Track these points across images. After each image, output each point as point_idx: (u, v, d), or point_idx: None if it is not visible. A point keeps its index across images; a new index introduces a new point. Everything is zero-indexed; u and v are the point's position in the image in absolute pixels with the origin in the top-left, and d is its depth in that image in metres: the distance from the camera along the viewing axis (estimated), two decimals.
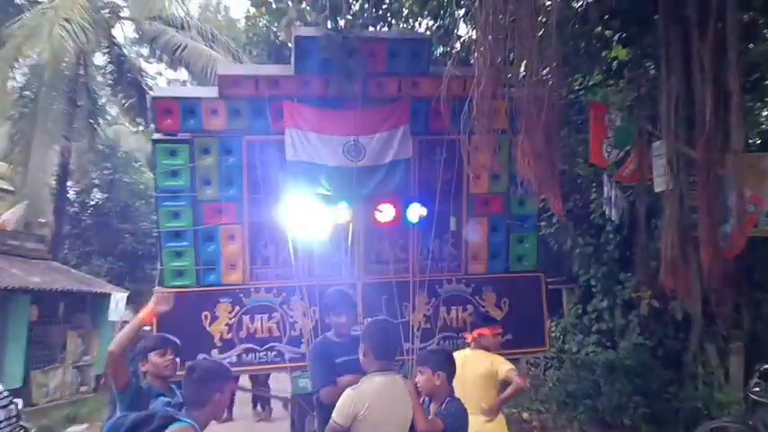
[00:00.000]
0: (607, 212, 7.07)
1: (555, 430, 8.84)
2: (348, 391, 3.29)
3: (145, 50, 20.11)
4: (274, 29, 9.75)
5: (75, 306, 13.57)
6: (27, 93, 14.55)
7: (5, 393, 4.54)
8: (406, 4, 7.95)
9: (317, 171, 5.44)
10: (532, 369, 10.69)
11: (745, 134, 5.46)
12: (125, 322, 7.29)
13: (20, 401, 6.01)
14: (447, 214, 5.86)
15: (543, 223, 9.19)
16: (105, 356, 3.78)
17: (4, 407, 4.44)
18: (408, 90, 5.69)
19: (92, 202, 21.16)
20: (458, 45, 7.58)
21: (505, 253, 6.22)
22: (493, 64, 4.56)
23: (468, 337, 4.94)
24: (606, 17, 6.87)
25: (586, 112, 7.19)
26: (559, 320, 10.58)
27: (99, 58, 17.62)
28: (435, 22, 8.18)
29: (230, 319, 5.73)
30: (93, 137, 16.89)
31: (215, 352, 5.62)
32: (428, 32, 8.11)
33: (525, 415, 9.51)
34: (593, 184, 8.78)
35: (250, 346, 5.74)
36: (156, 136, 5.77)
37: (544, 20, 4.95)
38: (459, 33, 7.81)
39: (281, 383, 7.39)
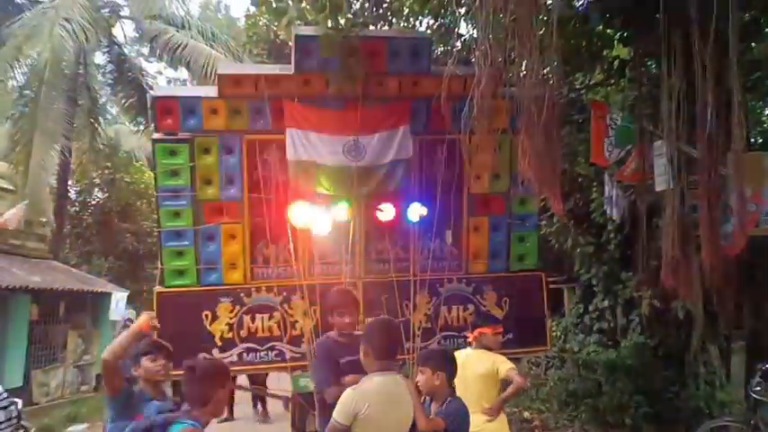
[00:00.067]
0: (608, 212, 7.06)
1: (556, 429, 8.83)
2: (349, 390, 3.29)
3: (145, 49, 20.14)
4: (274, 28, 9.77)
5: (75, 305, 13.57)
6: (27, 92, 14.55)
7: (5, 395, 4.54)
8: (407, 3, 7.95)
9: (318, 170, 5.43)
10: (534, 368, 10.69)
11: (746, 133, 5.45)
12: (128, 320, 7.29)
13: (20, 401, 6.01)
14: (447, 214, 5.86)
15: (544, 222, 9.18)
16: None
17: (4, 408, 4.44)
18: (409, 89, 5.68)
19: (92, 202, 21.19)
20: (458, 44, 7.58)
21: (506, 252, 6.21)
22: (493, 63, 4.55)
23: (470, 337, 4.94)
24: (607, 16, 6.86)
25: (587, 111, 7.18)
26: (560, 320, 10.58)
27: (99, 57, 17.67)
28: (436, 21, 8.18)
29: (231, 318, 5.72)
30: (94, 136, 16.89)
31: (216, 351, 5.62)
32: (429, 31, 8.12)
33: (526, 414, 9.51)
34: (594, 184, 8.77)
35: (251, 345, 5.73)
36: (156, 135, 5.76)
37: (545, 19, 4.95)
38: (460, 32, 7.82)
39: (281, 383, 7.37)
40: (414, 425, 3.34)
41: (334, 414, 3.22)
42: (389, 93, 5.68)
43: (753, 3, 6.28)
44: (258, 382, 9.43)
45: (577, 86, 8.91)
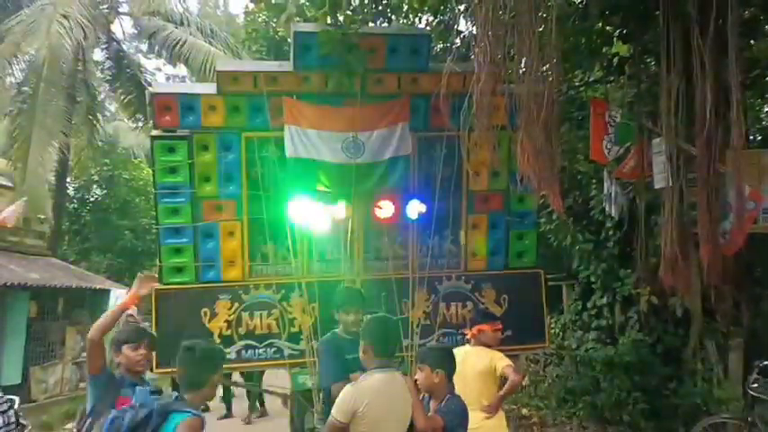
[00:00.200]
0: (607, 209, 7.07)
1: (554, 426, 8.85)
2: (348, 387, 3.29)
3: (144, 46, 20.03)
4: (273, 24, 9.74)
5: (74, 302, 13.56)
6: (26, 89, 14.51)
7: (5, 399, 4.51)
8: (406, 0, 7.93)
9: (316, 167, 5.42)
10: (532, 365, 10.69)
11: (745, 131, 5.45)
12: (130, 316, 7.28)
13: (17, 399, 6.00)
14: (446, 211, 5.86)
15: (543, 220, 9.18)
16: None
17: (3, 412, 4.42)
18: (408, 86, 5.67)
19: (91, 199, 21.15)
20: (458, 41, 7.57)
21: (505, 249, 6.21)
22: (493, 60, 4.55)
23: (468, 334, 4.94)
24: (606, 13, 6.86)
25: (587, 108, 7.19)
26: (559, 317, 10.58)
27: (98, 54, 17.59)
28: (435, 17, 8.17)
29: (229, 315, 5.73)
30: (92, 133, 16.85)
31: (220, 347, 5.61)
32: (428, 28, 8.11)
33: (525, 411, 9.53)
34: (594, 181, 8.77)
35: (249, 342, 5.74)
36: (155, 132, 5.75)
37: (544, 16, 4.94)
38: (459, 29, 7.80)
39: (280, 380, 7.38)
40: (412, 422, 3.35)
41: (333, 411, 3.23)
42: (388, 90, 5.67)
43: (752, 0, 6.28)
44: (254, 379, 9.42)
45: (576, 84, 8.91)
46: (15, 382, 10.97)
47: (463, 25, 7.97)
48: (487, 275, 6.14)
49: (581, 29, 7.17)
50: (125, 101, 17.15)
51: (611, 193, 6.73)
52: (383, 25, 8.00)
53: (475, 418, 3.98)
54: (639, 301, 8.12)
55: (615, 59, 7.54)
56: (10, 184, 14.01)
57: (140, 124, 17.17)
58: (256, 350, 5.74)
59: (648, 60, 7.42)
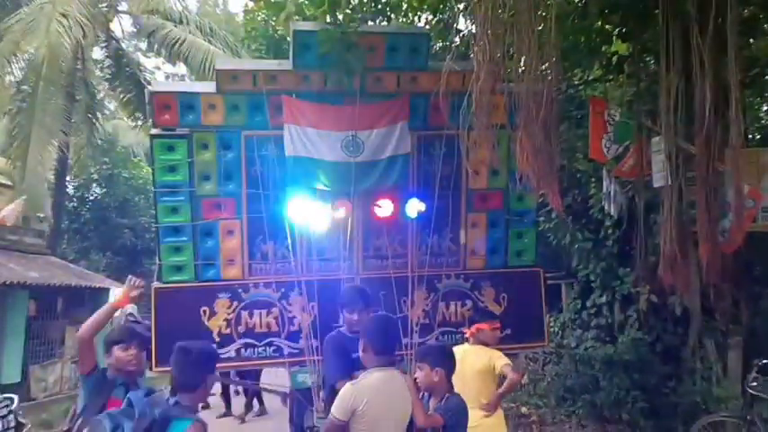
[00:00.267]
0: (606, 207, 7.07)
1: (553, 425, 8.86)
2: (347, 385, 3.29)
3: (143, 44, 20.06)
4: (273, 23, 9.73)
5: (73, 301, 13.57)
6: (25, 87, 14.51)
7: (3, 400, 4.49)
8: None
9: (316, 166, 5.42)
10: (531, 364, 10.70)
11: (744, 129, 5.47)
12: (130, 314, 7.28)
13: (16, 397, 6.01)
14: (446, 210, 5.86)
15: (542, 218, 9.18)
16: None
17: (3, 417, 4.40)
18: (407, 85, 5.67)
19: (90, 197, 21.14)
20: (457, 40, 7.57)
21: (504, 248, 6.21)
22: (492, 59, 4.55)
23: (467, 333, 4.94)
24: (606, 12, 6.85)
25: (586, 107, 7.18)
26: (558, 315, 10.59)
27: (97, 53, 17.60)
28: (434, 16, 8.16)
29: (229, 314, 5.72)
30: (92, 131, 16.86)
31: (213, 347, 5.62)
32: (427, 27, 8.11)
33: (524, 409, 9.54)
34: (593, 180, 8.77)
35: (249, 341, 5.74)
36: (154, 131, 5.74)
37: (543, 14, 4.94)
38: (459, 28, 7.80)
39: (280, 378, 7.38)
40: (412, 421, 3.35)
41: (333, 409, 3.23)
42: (388, 88, 5.67)
43: None
44: (252, 377, 9.39)
45: (576, 82, 8.91)
46: (15, 381, 10.99)
47: (462, 24, 7.96)
48: (487, 274, 6.14)
49: (580, 27, 7.17)
50: (124, 99, 17.16)
51: (610, 192, 6.74)
52: (382, 24, 7.99)
53: (474, 416, 3.99)
54: (639, 299, 8.13)
55: (614, 58, 7.54)
56: (9, 183, 14.01)
57: (140, 123, 17.17)
58: (256, 349, 5.74)
59: (648, 59, 7.42)
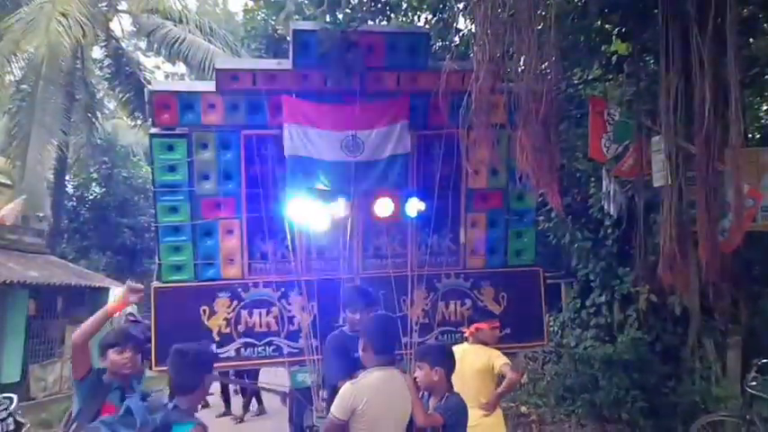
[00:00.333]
0: (606, 207, 7.08)
1: (553, 424, 8.86)
2: (347, 385, 3.29)
3: (143, 44, 20.07)
4: (272, 22, 9.73)
5: (73, 300, 13.56)
6: (24, 86, 14.51)
7: (3, 405, 4.47)
8: None
9: (316, 166, 5.42)
10: (531, 363, 10.70)
11: (744, 129, 5.47)
12: (130, 314, 7.27)
13: (15, 397, 6.01)
14: (446, 209, 5.86)
15: (542, 218, 9.19)
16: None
17: (2, 420, 4.37)
18: (407, 84, 5.67)
19: (90, 197, 21.12)
20: (457, 39, 7.58)
21: (504, 247, 6.21)
22: (492, 58, 4.55)
23: (466, 332, 4.94)
24: (606, 11, 6.86)
25: (585, 106, 7.18)
26: (558, 315, 10.60)
27: (97, 52, 17.61)
28: (434, 15, 8.17)
29: (228, 313, 5.72)
30: (91, 131, 16.87)
31: (213, 347, 5.62)
32: (427, 26, 8.11)
33: (523, 409, 9.53)
34: (592, 179, 8.78)
35: (248, 340, 5.74)
36: (154, 130, 5.74)
37: (543, 14, 4.94)
38: (459, 27, 7.81)
39: (279, 378, 7.38)
40: (411, 420, 3.35)
41: (332, 409, 3.23)
42: (388, 88, 5.66)
43: None
44: (250, 376, 9.38)
45: (575, 82, 8.91)
46: (15, 380, 10.98)
47: (462, 23, 7.97)
48: (486, 273, 6.14)
49: (580, 27, 7.17)
50: (124, 99, 17.16)
51: (609, 192, 6.74)
52: (382, 23, 7.99)
53: (473, 415, 3.98)
54: (638, 299, 8.13)
55: (614, 58, 7.55)
56: (9, 182, 14.01)
57: (139, 122, 17.17)
58: (255, 348, 5.74)
59: (647, 58, 7.43)
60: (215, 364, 5.68)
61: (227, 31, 18.01)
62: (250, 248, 5.85)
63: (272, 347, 5.77)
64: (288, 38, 6.21)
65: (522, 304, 6.10)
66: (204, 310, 5.68)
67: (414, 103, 5.69)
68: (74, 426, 3.41)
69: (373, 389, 3.22)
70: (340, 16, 5.46)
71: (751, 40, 7.31)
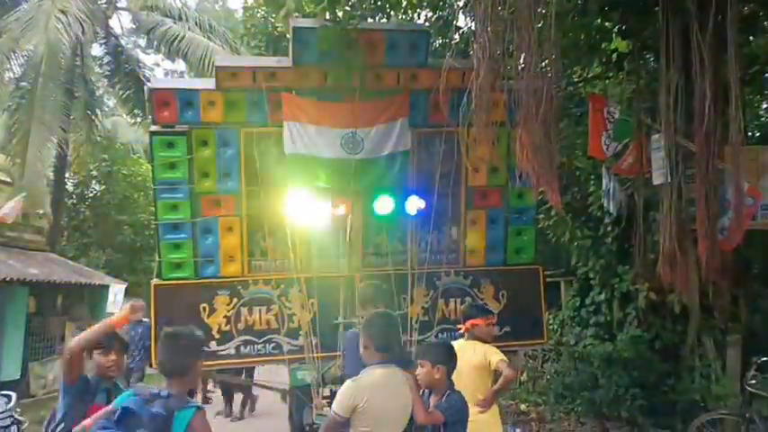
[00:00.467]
0: (605, 205, 7.07)
1: (553, 422, 8.86)
2: (348, 382, 3.29)
3: (142, 41, 20.01)
4: (272, 20, 9.72)
5: (73, 298, 13.57)
6: (24, 84, 14.48)
7: (7, 413, 4.44)
8: None
9: (316, 163, 5.43)
10: (530, 361, 10.71)
11: (743, 127, 5.45)
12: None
13: (14, 395, 6.00)
14: (445, 207, 5.86)
15: (542, 216, 9.18)
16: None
17: (6, 427, 4.35)
18: (407, 82, 5.67)
19: (90, 194, 21.10)
20: (457, 37, 7.57)
21: (504, 245, 6.22)
22: (492, 56, 4.55)
23: (462, 328, 4.93)
24: (606, 9, 6.85)
25: (585, 104, 7.18)
26: (557, 313, 10.60)
27: (96, 49, 17.55)
28: (434, 13, 8.17)
29: (228, 311, 5.73)
30: (91, 128, 16.82)
31: (213, 344, 5.63)
32: (427, 24, 8.10)
33: (523, 406, 9.54)
34: (592, 177, 8.77)
35: (248, 338, 5.74)
36: (154, 128, 5.75)
37: (543, 11, 4.93)
38: (459, 25, 7.80)
39: (278, 376, 7.38)
40: (412, 418, 3.35)
41: (334, 406, 3.23)
42: (388, 85, 5.67)
43: None
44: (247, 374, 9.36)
45: (575, 79, 8.90)
46: (14, 378, 10.98)
47: (462, 21, 7.97)
48: (486, 271, 6.15)
49: (580, 25, 7.17)
50: (123, 96, 17.13)
51: (609, 190, 6.73)
52: (382, 21, 7.98)
53: (469, 412, 3.98)
54: (638, 297, 8.13)
55: (614, 55, 7.53)
56: (9, 180, 13.99)
57: (139, 120, 17.14)
58: (255, 346, 5.75)
59: (647, 56, 7.42)
60: (215, 363, 5.73)
61: (227, 28, 17.97)
62: (250, 246, 5.85)
63: (271, 345, 5.78)
64: (288, 35, 6.21)
65: (521, 302, 6.12)
66: (204, 308, 5.69)
67: (414, 100, 5.69)
68: (60, 426, 3.38)
69: (375, 387, 3.22)
70: (340, 14, 5.46)
71: (751, 37, 7.30)
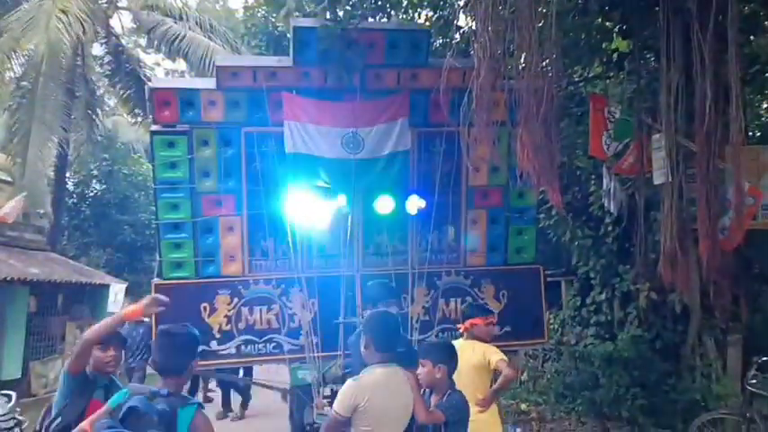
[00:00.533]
0: (606, 205, 7.07)
1: (553, 421, 8.86)
2: (349, 381, 3.30)
3: (143, 41, 20.03)
4: (273, 19, 9.72)
5: (73, 297, 13.57)
6: (25, 83, 14.48)
7: (9, 416, 4.43)
8: None
9: (316, 163, 5.43)
10: (531, 361, 10.71)
11: (744, 127, 5.44)
12: None
13: (14, 394, 6.01)
14: (446, 206, 5.86)
15: (542, 215, 9.17)
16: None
17: (9, 429, 4.34)
18: (407, 82, 5.67)
19: (90, 194, 21.09)
20: (457, 36, 7.55)
21: (504, 245, 6.22)
22: (492, 55, 4.55)
23: (461, 328, 4.92)
24: (606, 8, 6.84)
25: (586, 104, 7.18)
26: (558, 312, 10.59)
27: (97, 49, 17.54)
28: (434, 13, 8.16)
29: (229, 310, 5.73)
30: (92, 128, 16.82)
31: (214, 344, 5.63)
32: (427, 23, 8.10)
33: (523, 406, 9.54)
34: (593, 177, 8.77)
35: (249, 337, 5.75)
36: (155, 127, 5.75)
37: (544, 11, 4.94)
38: (459, 24, 7.79)
39: (281, 375, 7.38)
40: (413, 417, 3.35)
41: (335, 405, 3.24)
42: (388, 85, 5.67)
43: None
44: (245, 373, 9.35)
45: (576, 79, 8.90)
46: (15, 377, 10.98)
47: (463, 21, 7.95)
48: (487, 271, 6.15)
49: (581, 24, 7.16)
50: (124, 96, 17.13)
51: (610, 189, 6.73)
52: (382, 21, 7.98)
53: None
54: (638, 296, 8.13)
55: (615, 55, 7.52)
56: (9, 179, 13.99)
57: (139, 119, 17.13)
58: (256, 345, 5.75)
59: (648, 56, 7.41)
60: (216, 362, 5.74)
61: (228, 28, 17.95)
62: (251, 245, 5.86)
63: (272, 344, 5.78)
64: (288, 35, 6.21)
65: (522, 302, 6.12)
66: (205, 308, 5.69)
67: (414, 100, 5.69)
68: (57, 420, 3.36)
69: (375, 386, 3.22)
70: (340, 13, 5.46)
71: (752, 37, 7.29)
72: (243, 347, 5.73)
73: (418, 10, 8.38)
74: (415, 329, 5.77)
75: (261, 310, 5.78)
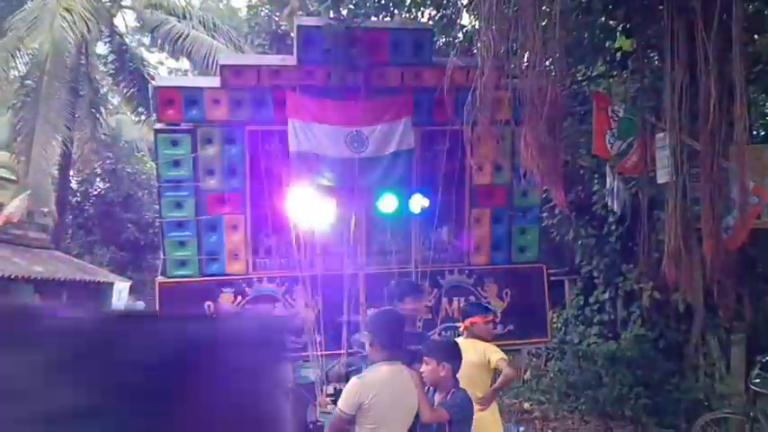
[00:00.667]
0: (609, 204, 7.06)
1: (556, 420, 8.85)
2: (354, 379, 3.31)
3: (146, 39, 20.09)
4: (276, 18, 9.73)
5: (77, 295, 13.59)
6: (29, 82, 14.52)
7: None
8: None
9: (320, 162, 5.43)
10: (534, 359, 10.70)
11: (748, 126, 5.44)
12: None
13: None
14: (449, 205, 5.86)
15: (545, 214, 9.16)
16: None
17: None
18: (411, 80, 5.67)
19: (94, 192, 21.16)
20: (461, 35, 7.55)
21: (508, 244, 6.22)
22: (496, 54, 4.55)
23: (461, 326, 4.92)
24: (610, 7, 6.83)
25: (589, 102, 7.17)
26: (561, 311, 10.59)
27: (100, 48, 17.60)
28: (438, 11, 8.15)
29: (233, 308, 5.74)
30: (95, 126, 16.87)
31: None
32: (431, 22, 8.09)
33: (526, 405, 9.53)
34: (596, 176, 8.75)
35: None
36: (158, 126, 5.76)
37: (547, 10, 4.93)
38: (462, 23, 7.78)
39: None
40: (417, 415, 3.36)
41: (339, 403, 3.25)
42: (392, 84, 5.67)
43: None
44: None
45: (579, 78, 8.87)
46: None
47: (466, 20, 7.95)
48: (490, 270, 6.15)
49: (584, 23, 7.15)
50: (128, 94, 17.16)
51: (613, 188, 6.73)
52: (386, 20, 7.98)
53: None
54: (642, 295, 8.12)
55: (618, 54, 7.51)
56: (13, 178, 14.04)
57: (143, 118, 17.17)
58: None
59: (652, 55, 7.39)
60: None
61: (231, 27, 17.95)
62: (254, 244, 5.87)
63: None
64: (292, 34, 6.22)
65: (525, 301, 6.12)
66: (209, 306, 5.69)
67: (418, 99, 5.70)
68: None
69: (380, 384, 3.23)
70: (344, 12, 5.46)
71: (756, 36, 7.27)
72: None
73: (422, 9, 8.37)
74: (418, 328, 5.77)
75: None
